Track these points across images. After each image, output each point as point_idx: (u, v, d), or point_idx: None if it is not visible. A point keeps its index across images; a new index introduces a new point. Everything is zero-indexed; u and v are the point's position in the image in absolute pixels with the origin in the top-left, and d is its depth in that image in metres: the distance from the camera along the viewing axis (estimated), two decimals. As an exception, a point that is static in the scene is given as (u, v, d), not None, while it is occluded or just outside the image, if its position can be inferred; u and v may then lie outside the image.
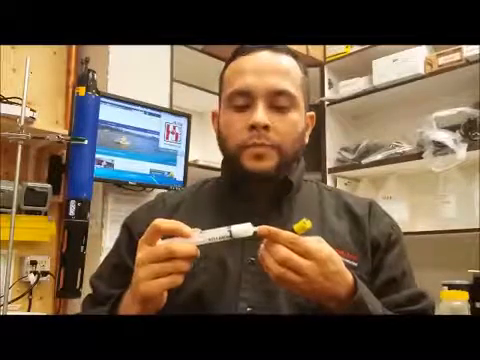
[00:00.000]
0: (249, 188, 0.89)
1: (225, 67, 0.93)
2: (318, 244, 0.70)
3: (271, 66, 0.87)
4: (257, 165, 0.85)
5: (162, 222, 0.70)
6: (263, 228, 0.70)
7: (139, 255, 0.70)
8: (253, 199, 0.89)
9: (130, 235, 0.92)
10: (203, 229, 0.85)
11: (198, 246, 0.70)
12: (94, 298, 0.91)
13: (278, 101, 0.86)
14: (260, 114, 0.84)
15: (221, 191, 0.94)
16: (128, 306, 0.74)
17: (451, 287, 1.73)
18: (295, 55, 0.92)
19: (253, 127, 0.84)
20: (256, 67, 0.87)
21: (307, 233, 0.85)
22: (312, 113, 0.96)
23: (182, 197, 0.96)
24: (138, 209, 0.99)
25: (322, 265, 0.69)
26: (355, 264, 0.84)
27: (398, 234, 0.92)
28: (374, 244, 0.88)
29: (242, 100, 0.86)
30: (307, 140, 0.95)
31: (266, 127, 0.84)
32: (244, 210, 0.87)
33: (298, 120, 0.89)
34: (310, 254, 0.68)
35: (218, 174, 0.99)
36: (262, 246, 0.71)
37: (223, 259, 0.83)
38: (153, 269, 0.68)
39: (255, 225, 0.85)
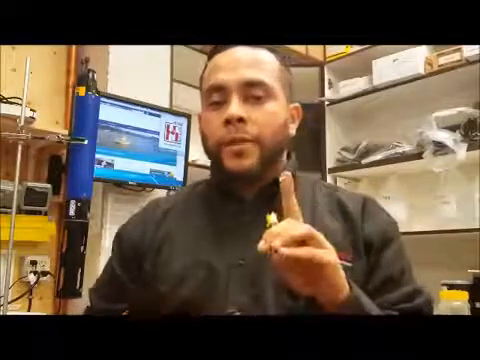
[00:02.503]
0: (236, 187, 0.88)
1: (205, 68, 0.92)
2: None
3: (244, 59, 0.86)
4: (238, 164, 0.83)
5: None
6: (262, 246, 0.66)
7: None
8: (242, 198, 0.88)
9: (121, 247, 0.92)
10: (191, 232, 0.84)
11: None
12: (92, 312, 0.92)
13: (252, 92, 0.84)
14: (234, 107, 0.82)
15: (210, 193, 0.93)
16: None
17: (451, 287, 1.73)
18: (272, 49, 0.90)
19: (228, 121, 0.82)
20: (229, 62, 0.86)
21: None
22: (297, 104, 0.93)
23: (174, 202, 0.95)
24: (131, 217, 0.98)
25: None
26: (349, 265, 0.81)
27: (394, 231, 0.89)
28: (367, 242, 0.85)
29: (217, 96, 0.85)
30: (293, 132, 0.92)
31: (241, 120, 0.82)
32: (233, 210, 0.86)
33: (277, 111, 0.86)
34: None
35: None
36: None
37: (211, 263, 0.82)
38: None
39: (245, 223, 0.84)
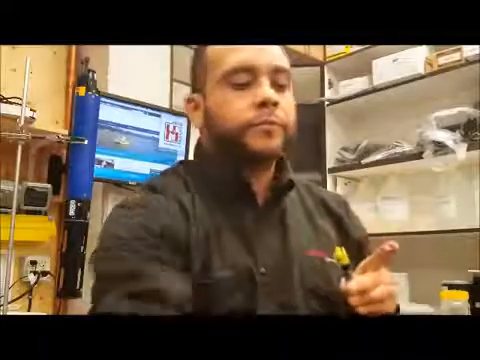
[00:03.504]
0: (249, 184, 0.83)
1: (203, 50, 0.87)
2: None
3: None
4: (266, 143, 0.80)
5: None
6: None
7: None
8: (255, 199, 0.84)
9: (160, 235, 0.76)
10: (223, 234, 0.79)
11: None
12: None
13: (279, 79, 0.83)
14: (269, 90, 0.80)
15: (217, 188, 0.84)
16: None
17: (451, 287, 1.73)
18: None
19: (263, 104, 0.79)
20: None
21: (303, 230, 0.84)
22: None
23: (187, 194, 0.83)
24: (151, 212, 0.79)
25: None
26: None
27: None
28: (357, 241, 0.89)
29: (243, 77, 0.81)
30: None
31: (275, 104, 0.80)
32: (248, 215, 0.82)
33: (293, 101, 0.87)
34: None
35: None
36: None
37: (251, 269, 0.78)
38: None
39: (260, 229, 0.82)
